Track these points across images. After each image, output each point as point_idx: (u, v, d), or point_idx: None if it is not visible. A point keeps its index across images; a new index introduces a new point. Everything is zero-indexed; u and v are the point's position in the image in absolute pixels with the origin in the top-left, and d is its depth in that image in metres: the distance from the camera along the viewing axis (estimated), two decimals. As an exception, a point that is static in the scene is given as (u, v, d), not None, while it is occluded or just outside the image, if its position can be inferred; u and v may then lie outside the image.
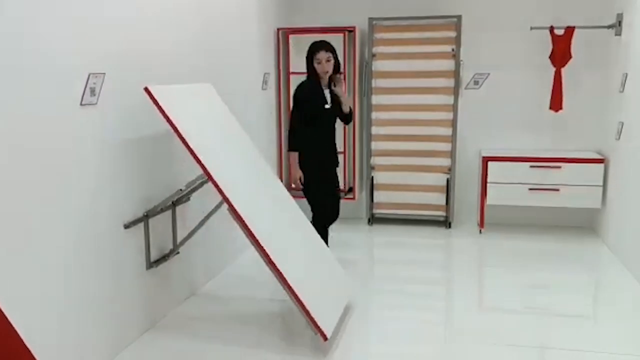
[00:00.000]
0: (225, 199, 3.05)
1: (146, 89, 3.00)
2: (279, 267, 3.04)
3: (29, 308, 2.50)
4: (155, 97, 3.01)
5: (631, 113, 4.54)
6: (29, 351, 2.45)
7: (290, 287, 3.03)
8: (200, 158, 3.03)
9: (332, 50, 4.11)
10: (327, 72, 4.08)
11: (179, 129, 3.02)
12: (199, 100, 3.52)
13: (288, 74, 5.64)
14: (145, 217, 3.31)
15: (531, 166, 5.21)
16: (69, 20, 2.67)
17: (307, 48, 5.70)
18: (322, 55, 4.06)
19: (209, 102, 3.64)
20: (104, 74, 2.91)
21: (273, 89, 5.52)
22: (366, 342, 3.36)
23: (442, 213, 5.63)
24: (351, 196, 5.71)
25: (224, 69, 4.39)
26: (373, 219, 5.76)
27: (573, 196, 5.17)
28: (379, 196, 5.72)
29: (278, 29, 5.51)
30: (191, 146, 3.02)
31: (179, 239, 3.68)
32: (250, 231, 3.05)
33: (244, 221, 3.04)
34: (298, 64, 5.70)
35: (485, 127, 5.65)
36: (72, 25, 2.70)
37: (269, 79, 5.36)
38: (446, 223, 5.63)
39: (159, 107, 3.01)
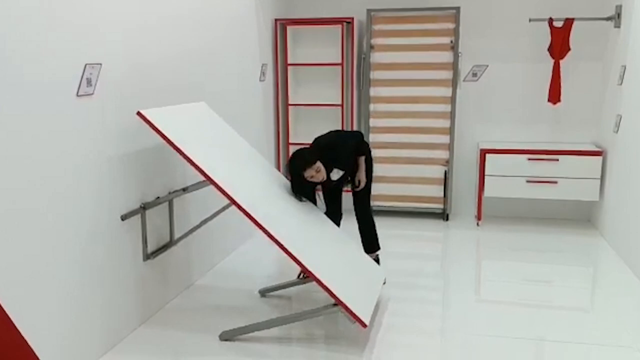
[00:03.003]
0: (230, 199, 3.06)
1: (139, 113, 3.01)
2: (304, 263, 3.04)
3: (25, 300, 2.50)
4: (150, 119, 3.02)
5: (629, 105, 4.54)
6: (27, 342, 2.45)
7: (318, 279, 3.02)
8: (217, 181, 3.05)
9: (316, 157, 3.57)
10: (324, 178, 3.62)
11: (184, 150, 3.04)
12: (195, 117, 3.53)
13: (286, 65, 5.62)
14: (142, 209, 3.30)
15: (529, 158, 5.20)
16: (66, 13, 2.66)
17: (305, 40, 5.72)
18: (309, 172, 3.55)
19: (206, 118, 3.65)
20: (101, 64, 2.89)
21: (271, 80, 5.50)
22: (364, 332, 3.35)
23: (439, 205, 5.63)
24: (349, 188, 5.69)
25: (222, 60, 4.37)
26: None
27: (571, 188, 5.18)
28: (376, 188, 5.69)
29: (276, 20, 5.48)
30: (203, 169, 3.04)
31: (176, 231, 3.68)
32: (267, 231, 3.04)
33: (256, 220, 3.05)
34: (296, 55, 5.69)
35: (483, 120, 5.64)
36: (70, 17, 2.68)
37: (266, 70, 5.34)
38: (444, 215, 5.63)
39: (155, 129, 3.02)
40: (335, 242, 3.68)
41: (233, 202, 3.06)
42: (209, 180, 3.07)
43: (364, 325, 3.03)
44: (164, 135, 3.03)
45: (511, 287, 4.04)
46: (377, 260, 4.08)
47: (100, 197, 2.96)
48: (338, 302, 3.02)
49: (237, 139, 3.79)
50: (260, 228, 3.05)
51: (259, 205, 3.21)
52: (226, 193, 3.06)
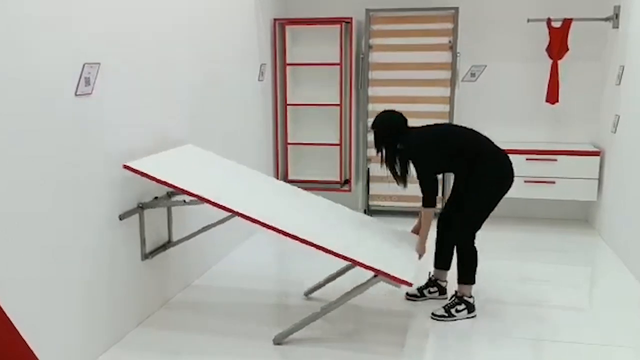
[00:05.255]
0: (240, 214, 3.10)
1: (125, 166, 3.04)
2: (330, 248, 3.02)
3: (24, 299, 2.50)
4: (138, 169, 3.06)
5: (627, 106, 4.54)
6: (25, 342, 2.45)
7: (347, 257, 3.01)
8: (228, 206, 3.07)
9: (385, 143, 3.55)
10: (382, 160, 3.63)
11: (187, 188, 3.07)
12: (186, 157, 3.56)
13: (284, 65, 5.62)
14: (140, 209, 3.30)
15: (527, 159, 5.21)
16: (65, 12, 2.66)
17: (304, 40, 5.72)
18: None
19: (197, 156, 3.66)
20: (99, 64, 2.89)
21: (270, 80, 5.50)
22: (367, 334, 3.37)
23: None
24: (347, 188, 5.71)
25: (221, 59, 4.37)
26: (369, 211, 5.76)
27: (569, 189, 5.19)
28: (374, 188, 5.71)
29: (275, 20, 5.49)
30: (212, 200, 3.07)
31: (174, 231, 3.68)
32: (286, 232, 3.04)
33: (268, 224, 3.06)
34: (295, 55, 5.69)
35: (482, 120, 5.63)
36: (68, 16, 2.68)
37: (265, 70, 5.34)
38: (442, 215, 5.63)
39: (147, 176, 3.06)
40: (356, 223, 3.65)
41: (243, 216, 3.07)
42: (219, 207, 3.08)
43: (409, 284, 2.98)
44: (160, 180, 3.06)
45: (509, 287, 4.05)
46: (460, 300, 3.53)
47: (98, 196, 2.96)
48: (377, 272, 2.99)
49: (234, 166, 3.79)
50: (275, 230, 3.04)
51: (267, 211, 3.22)
52: (236, 212, 3.07)
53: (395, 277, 2.98)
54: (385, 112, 3.66)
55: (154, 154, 3.35)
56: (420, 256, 3.46)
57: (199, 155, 3.67)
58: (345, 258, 3.02)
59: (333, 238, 3.18)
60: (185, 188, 3.07)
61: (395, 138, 3.53)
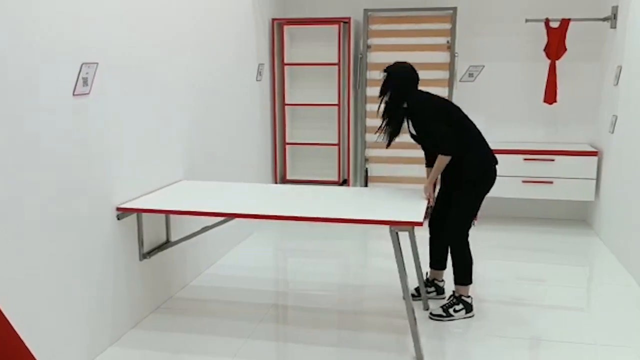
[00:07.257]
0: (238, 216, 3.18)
1: (119, 208, 3.13)
2: (333, 216, 3.07)
3: (22, 299, 2.50)
4: (139, 207, 3.17)
5: (625, 106, 4.55)
6: (23, 342, 2.45)
7: (359, 219, 3.05)
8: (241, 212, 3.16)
9: (391, 90, 3.46)
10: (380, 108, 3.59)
11: (177, 209, 3.19)
12: (180, 190, 3.60)
13: (283, 65, 5.62)
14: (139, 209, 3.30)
15: (525, 159, 5.22)
16: (63, 11, 2.65)
17: (302, 40, 5.72)
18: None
19: (192, 188, 3.68)
20: (97, 63, 2.89)
21: (268, 80, 5.50)
22: (361, 333, 3.36)
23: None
24: (345, 188, 5.71)
25: (219, 59, 4.37)
26: (367, 211, 5.77)
27: (566, 189, 5.19)
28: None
29: (273, 20, 5.49)
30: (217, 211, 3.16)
31: (172, 231, 3.68)
32: (285, 216, 3.11)
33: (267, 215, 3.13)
34: (293, 55, 5.69)
35: (480, 120, 5.60)
36: (67, 15, 2.68)
37: (263, 70, 5.34)
38: (440, 215, 5.63)
39: (150, 211, 3.19)
40: (357, 194, 3.70)
41: (253, 216, 3.15)
42: (231, 215, 3.17)
43: (420, 224, 2.97)
44: (160, 210, 3.18)
45: (507, 287, 4.05)
46: (457, 299, 3.54)
47: (96, 196, 2.96)
48: (389, 223, 2.99)
49: (233, 184, 3.83)
50: (276, 218, 3.10)
51: (266, 206, 3.27)
52: (242, 214, 3.14)
53: (406, 222, 2.99)
54: (404, 63, 3.55)
55: (150, 194, 3.42)
56: (429, 201, 3.39)
57: (195, 187, 3.71)
58: (356, 221, 3.05)
59: (339, 209, 3.22)
60: (185, 209, 3.19)
61: (404, 92, 3.45)
